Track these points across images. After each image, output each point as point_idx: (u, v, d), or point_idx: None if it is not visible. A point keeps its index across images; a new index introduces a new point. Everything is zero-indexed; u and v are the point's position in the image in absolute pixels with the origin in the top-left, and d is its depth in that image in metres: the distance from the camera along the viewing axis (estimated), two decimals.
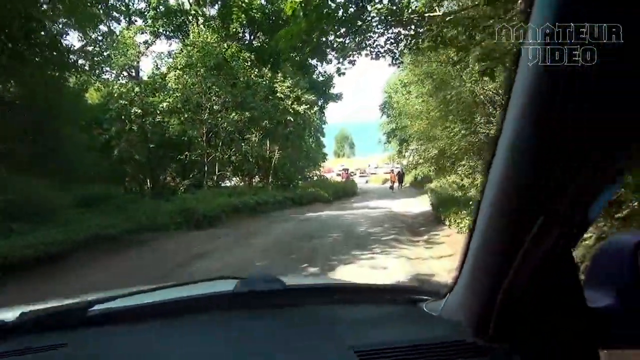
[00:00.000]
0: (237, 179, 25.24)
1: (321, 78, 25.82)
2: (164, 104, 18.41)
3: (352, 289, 1.49)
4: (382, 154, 60.37)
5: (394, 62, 10.72)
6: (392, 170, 33.97)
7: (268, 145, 22.25)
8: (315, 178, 34.22)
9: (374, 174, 59.32)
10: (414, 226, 11.58)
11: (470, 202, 10.10)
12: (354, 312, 1.23)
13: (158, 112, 18.62)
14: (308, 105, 20.40)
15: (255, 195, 18.21)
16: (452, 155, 19.19)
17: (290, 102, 20.14)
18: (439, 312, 1.06)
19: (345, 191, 27.13)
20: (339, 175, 45.65)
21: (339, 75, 10.51)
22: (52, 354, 0.96)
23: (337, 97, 26.84)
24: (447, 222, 10.40)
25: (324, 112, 27.73)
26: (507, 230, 0.73)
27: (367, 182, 48.26)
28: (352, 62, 10.23)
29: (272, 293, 1.20)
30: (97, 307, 1.12)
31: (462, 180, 18.87)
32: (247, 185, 23.51)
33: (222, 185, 22.66)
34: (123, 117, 18.30)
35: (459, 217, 9.49)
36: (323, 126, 55.53)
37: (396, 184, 30.93)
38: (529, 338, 0.81)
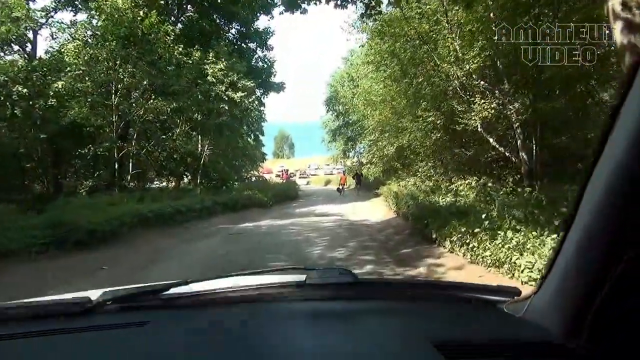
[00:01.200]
0: (162, 180, 21.47)
1: (261, 64, 22.55)
2: (59, 84, 14.38)
3: (426, 285, 1.55)
4: (322, 155, 58.79)
5: (367, 12, 7.92)
6: (344, 171, 31.00)
7: (199, 140, 18.78)
8: (253, 179, 31.12)
9: (315, 175, 58.13)
10: (390, 244, 8.72)
11: (469, 216, 7.49)
12: (429, 308, 1.26)
13: (51, 93, 14.56)
14: (245, 93, 17.11)
15: (177, 200, 14.72)
16: (416, 153, 16.96)
17: (223, 88, 16.76)
18: (521, 313, 1.04)
19: (286, 194, 24.05)
20: (278, 176, 43.34)
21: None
22: (136, 330, 1.07)
23: (279, 87, 23.66)
24: (440, 241, 7.69)
25: (263, 105, 24.46)
26: (610, 236, 0.74)
27: (308, 183, 46.03)
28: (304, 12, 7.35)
29: (343, 285, 1.25)
30: (172, 290, 1.23)
31: (423, 182, 16.64)
32: (175, 187, 19.87)
33: (148, 187, 18.80)
34: (1, 97, 14.09)
35: (460, 235, 6.80)
36: (262, 124, 52.76)
37: (348, 187, 27.99)
38: (624, 344, 0.79)
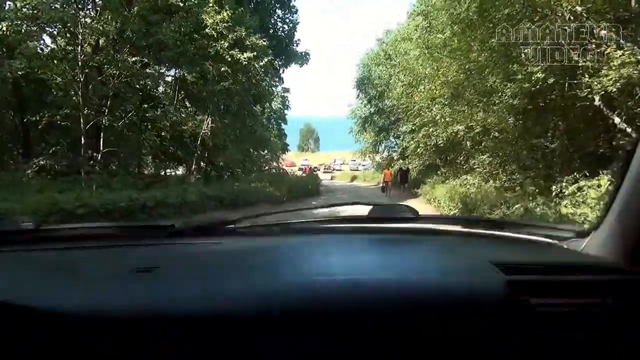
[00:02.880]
0: (163, 165, 17.64)
1: (280, 24, 18.30)
2: (2, 25, 10.56)
3: (487, 222, 1.61)
4: (348, 150, 55.51)
5: None
6: (391, 166, 23.49)
7: (193, 115, 14.83)
8: (273, 170, 27.29)
9: (340, 170, 55.21)
10: None
11: None
12: (490, 241, 1.28)
13: None
14: (254, 54, 12.91)
15: (154, 189, 10.79)
16: (477, 141, 12.52)
17: (226, 45, 12.61)
18: (580, 249, 1.08)
19: (305, 189, 19.77)
20: (301, 169, 40.59)
21: None
22: (217, 248, 1.22)
23: (302, 57, 19.36)
24: None
25: (281, 79, 20.19)
26: None
27: (332, 178, 42.22)
28: None
29: (404, 220, 1.29)
30: (245, 222, 1.36)
31: (486, 182, 12.20)
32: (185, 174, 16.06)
33: (137, 172, 14.96)
34: None
35: None
36: (285, 112, 48.59)
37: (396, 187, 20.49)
38: None
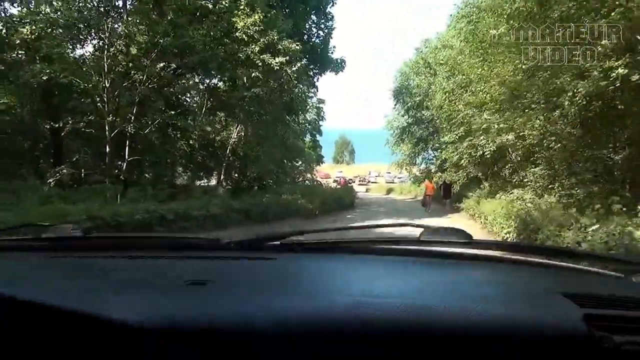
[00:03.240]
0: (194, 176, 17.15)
1: (315, 30, 17.53)
2: (27, 29, 10.27)
3: (550, 250, 1.42)
4: (383, 163, 55.17)
5: None
6: (431, 179, 21.76)
7: (224, 123, 14.24)
8: (307, 182, 26.73)
9: (375, 182, 55.13)
10: None
11: None
12: (553, 271, 1.19)
13: (17, 42, 10.50)
14: (287, 58, 12.15)
15: (180, 201, 10.15)
16: (531, 151, 11.27)
17: (257, 50, 11.93)
18: None
19: (339, 202, 18.79)
20: (335, 182, 40.27)
21: None
22: (267, 264, 1.19)
23: (338, 66, 18.50)
24: None
25: (316, 88, 19.42)
26: None
27: (367, 190, 41.32)
28: None
29: (457, 244, 1.22)
30: (294, 237, 1.35)
31: (540, 197, 10.88)
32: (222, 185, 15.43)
33: (167, 182, 14.46)
34: None
35: None
36: (320, 123, 48.01)
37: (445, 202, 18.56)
38: None
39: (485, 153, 12.64)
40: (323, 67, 18.24)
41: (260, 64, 11.98)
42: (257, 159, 16.32)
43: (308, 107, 45.36)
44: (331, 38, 17.91)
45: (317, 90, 20.66)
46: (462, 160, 13.68)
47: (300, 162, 38.06)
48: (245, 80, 11.89)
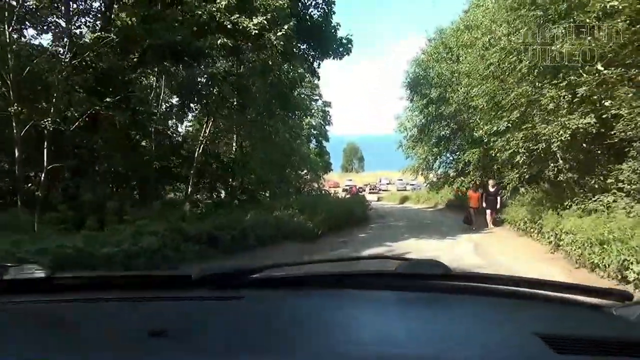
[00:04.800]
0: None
1: (312, 1, 13.79)
2: None
3: (529, 282, 1.31)
4: (393, 170, 52.37)
5: None
6: (476, 184, 16.79)
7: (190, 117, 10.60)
8: (312, 193, 23.47)
9: (387, 190, 53.16)
10: None
11: None
12: (531, 305, 1.18)
13: None
14: (267, 17, 8.47)
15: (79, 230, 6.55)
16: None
17: (223, 4, 8.27)
18: (634, 317, 1.01)
19: (348, 216, 14.93)
20: (344, 191, 37.72)
21: None
22: (232, 304, 1.14)
23: (344, 48, 14.78)
24: None
25: (316, 75, 15.68)
26: None
27: (379, 199, 37.76)
28: None
29: (435, 277, 1.20)
30: (267, 271, 1.27)
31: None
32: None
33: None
34: None
35: None
36: (326, 128, 44.34)
37: (490, 215, 13.75)
38: None
39: (553, 144, 8.85)
40: (324, 48, 14.53)
41: (230, 26, 8.34)
42: (246, 165, 12.79)
43: (313, 110, 42.16)
44: (333, 13, 14.23)
45: (319, 79, 16.93)
46: (518, 157, 9.91)
47: (305, 171, 34.72)
48: (206, 50, 8.22)
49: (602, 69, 7.76)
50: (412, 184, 48.67)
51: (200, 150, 10.61)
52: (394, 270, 1.19)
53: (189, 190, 10.51)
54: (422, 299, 1.16)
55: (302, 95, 36.85)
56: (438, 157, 25.61)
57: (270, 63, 9.54)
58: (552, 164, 9.87)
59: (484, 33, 13.71)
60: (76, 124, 8.47)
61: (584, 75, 8.08)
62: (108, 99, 8.25)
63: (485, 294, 1.20)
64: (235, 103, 9.99)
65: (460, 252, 9.08)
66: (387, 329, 0.96)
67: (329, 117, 43.22)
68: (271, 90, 10.87)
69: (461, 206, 20.74)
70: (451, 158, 25.66)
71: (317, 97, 41.44)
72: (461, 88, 17.74)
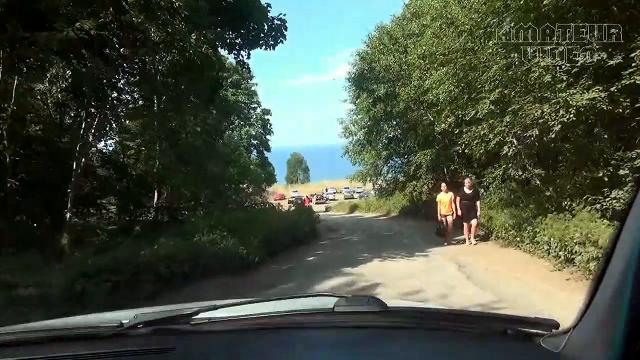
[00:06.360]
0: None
1: None
2: None
3: (460, 315, 1.35)
4: (338, 179, 51.88)
5: None
6: (447, 184, 11.51)
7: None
8: (255, 206, 20.57)
9: (334, 200, 51.11)
10: None
11: None
12: (462, 339, 1.14)
13: None
14: None
15: None
16: None
17: None
18: (559, 348, 0.95)
19: (293, 232, 12.16)
20: (291, 202, 35.32)
21: None
22: (164, 356, 1.04)
23: (276, 32, 12.22)
24: None
25: (247, 68, 12.97)
26: None
27: (327, 209, 35.77)
28: None
29: (372, 314, 1.17)
30: (202, 314, 1.18)
31: None
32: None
33: None
34: None
35: None
36: (268, 138, 41.53)
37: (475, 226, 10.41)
38: None
39: (553, 128, 6.76)
40: (251, 39, 11.89)
41: None
42: (163, 178, 9.94)
43: (252, 119, 39.32)
44: None
45: (250, 71, 14.30)
46: (506, 147, 7.69)
47: (246, 184, 31.95)
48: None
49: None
50: (359, 192, 47.29)
51: (83, 159, 7.55)
52: (332, 308, 1.16)
53: (67, 213, 7.39)
54: (358, 337, 1.13)
55: (240, 104, 34.08)
56: (387, 161, 23.82)
57: (170, 31, 6.74)
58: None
59: (434, 18, 11.86)
60: None
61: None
62: None
63: (418, 327, 1.19)
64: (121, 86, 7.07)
65: (445, 277, 6.69)
66: None
67: (269, 125, 40.62)
68: (181, 73, 8.04)
69: (416, 213, 18.72)
70: (400, 162, 24.05)
71: (256, 105, 38.84)
72: (412, 81, 15.87)
